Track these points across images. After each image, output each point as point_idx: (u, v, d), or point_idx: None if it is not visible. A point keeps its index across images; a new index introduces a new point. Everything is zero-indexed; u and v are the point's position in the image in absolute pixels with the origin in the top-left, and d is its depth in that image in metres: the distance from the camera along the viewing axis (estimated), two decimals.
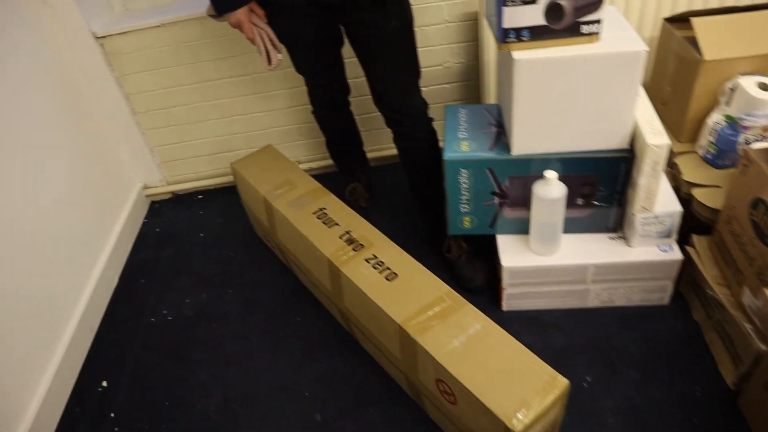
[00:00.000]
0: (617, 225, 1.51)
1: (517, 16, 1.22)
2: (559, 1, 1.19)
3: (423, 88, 1.59)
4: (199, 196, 2.30)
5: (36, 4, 1.74)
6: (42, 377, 1.51)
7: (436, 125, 1.65)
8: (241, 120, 2.15)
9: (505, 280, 1.51)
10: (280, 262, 1.88)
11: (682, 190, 1.54)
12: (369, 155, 2.00)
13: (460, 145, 1.45)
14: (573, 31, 1.24)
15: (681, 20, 1.67)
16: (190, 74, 2.01)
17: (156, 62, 1.97)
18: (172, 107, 2.09)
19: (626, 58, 1.23)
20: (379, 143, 2.15)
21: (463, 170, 1.43)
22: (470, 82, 2.07)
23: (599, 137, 1.36)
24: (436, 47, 1.97)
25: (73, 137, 1.87)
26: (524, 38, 1.25)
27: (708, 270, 1.43)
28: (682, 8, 1.82)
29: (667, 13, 1.82)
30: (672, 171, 1.61)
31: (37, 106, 1.69)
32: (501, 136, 1.47)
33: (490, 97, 1.97)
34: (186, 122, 2.14)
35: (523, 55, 1.23)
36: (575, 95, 1.29)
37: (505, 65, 1.36)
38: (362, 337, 1.51)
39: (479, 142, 1.46)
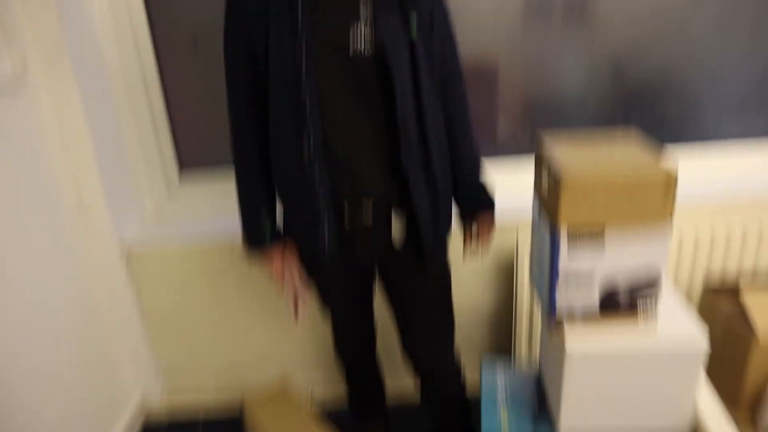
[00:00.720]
0: None
1: (570, 297, 1.15)
2: (615, 293, 1.13)
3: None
4: (199, 428, 2.06)
5: (70, 210, 1.74)
6: None
7: (465, 365, 1.57)
8: (257, 345, 2.04)
9: None
10: None
11: None
12: (387, 381, 1.82)
13: (500, 419, 1.32)
14: (628, 308, 1.17)
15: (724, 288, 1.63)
16: (210, 296, 1.95)
17: (178, 281, 1.92)
18: (187, 325, 2.00)
19: (686, 356, 1.14)
20: (399, 373, 1.98)
21: None
22: (501, 327, 2.00)
23: (655, 429, 1.22)
24: (467, 291, 1.93)
25: (78, 341, 1.76)
26: (576, 316, 1.18)
27: None
28: (717, 262, 1.77)
29: (703, 268, 1.78)
30: None
31: (47, 303, 1.63)
32: (543, 406, 1.34)
33: (522, 341, 1.88)
34: (199, 341, 2.04)
35: (575, 347, 1.14)
36: (630, 387, 1.18)
37: (553, 345, 1.27)
38: None
39: (520, 417, 1.32)
